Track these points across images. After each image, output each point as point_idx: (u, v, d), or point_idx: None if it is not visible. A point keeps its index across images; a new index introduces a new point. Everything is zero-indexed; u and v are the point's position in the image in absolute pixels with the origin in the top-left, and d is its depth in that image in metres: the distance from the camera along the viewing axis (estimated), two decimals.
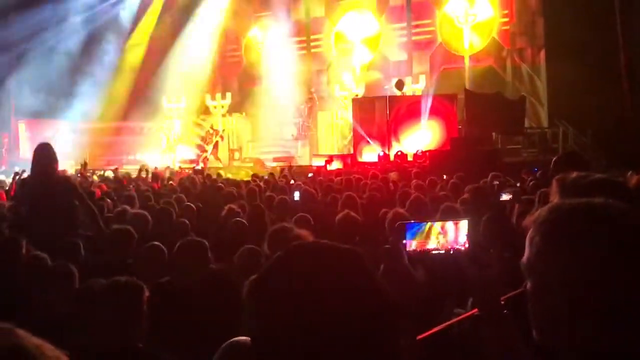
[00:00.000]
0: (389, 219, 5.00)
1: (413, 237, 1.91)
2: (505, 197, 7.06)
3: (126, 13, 26.07)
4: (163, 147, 25.62)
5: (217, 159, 24.08)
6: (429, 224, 1.90)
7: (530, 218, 1.42)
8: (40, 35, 22.58)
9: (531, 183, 9.37)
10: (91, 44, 24.49)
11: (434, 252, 1.88)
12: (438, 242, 1.91)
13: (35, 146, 6.65)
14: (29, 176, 6.74)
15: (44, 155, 6.39)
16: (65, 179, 7.04)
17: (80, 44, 24.14)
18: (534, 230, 1.38)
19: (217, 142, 24.22)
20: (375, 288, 1.15)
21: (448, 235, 1.88)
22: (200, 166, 21.01)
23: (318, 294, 1.09)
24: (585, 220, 1.33)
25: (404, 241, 1.96)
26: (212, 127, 24.58)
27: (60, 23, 23.21)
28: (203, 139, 24.58)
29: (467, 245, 1.90)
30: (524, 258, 1.40)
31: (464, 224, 1.87)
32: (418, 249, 1.91)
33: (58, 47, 23.28)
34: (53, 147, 6.61)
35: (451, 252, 1.91)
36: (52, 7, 22.41)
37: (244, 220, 6.42)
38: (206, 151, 24.06)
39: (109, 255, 5.26)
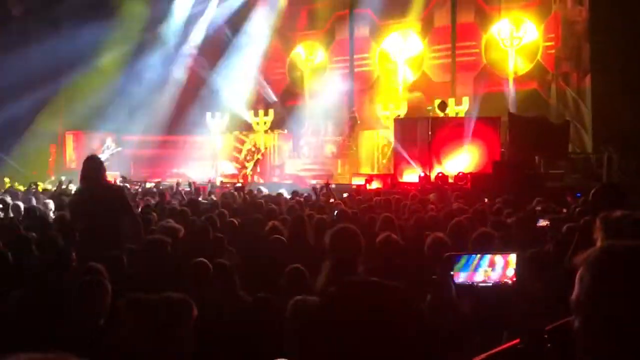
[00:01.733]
0: (429, 243, 4.98)
1: (461, 269, 1.93)
2: (542, 222, 6.98)
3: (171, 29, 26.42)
4: (205, 162, 25.93)
5: (257, 175, 24.13)
6: (478, 256, 1.91)
7: (580, 257, 1.43)
8: (90, 50, 23.04)
9: (577, 210, 9.26)
10: (137, 59, 24.91)
11: (481, 284, 1.90)
12: (486, 274, 1.92)
13: (80, 157, 6.86)
14: (79, 187, 6.92)
15: (93, 167, 6.57)
16: (114, 188, 7.19)
17: (127, 59, 24.56)
18: (584, 269, 1.39)
19: (258, 159, 24.27)
20: (414, 324, 1.19)
21: (496, 268, 1.89)
22: (240, 182, 21.14)
23: (363, 328, 1.13)
24: (635, 263, 1.34)
25: (452, 272, 1.98)
26: (254, 145, 24.61)
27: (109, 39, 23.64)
28: (245, 155, 24.62)
29: (514, 279, 1.92)
30: (573, 295, 1.41)
31: (512, 258, 1.88)
32: (466, 282, 1.93)
33: (106, 63, 23.68)
34: (100, 159, 6.82)
35: (498, 285, 1.93)
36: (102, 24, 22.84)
37: (283, 238, 6.48)
38: (246, 168, 24.13)
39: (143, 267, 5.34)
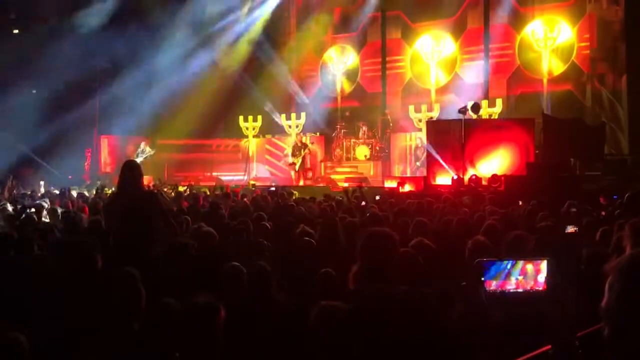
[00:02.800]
0: (470, 248, 4.86)
1: (493, 276, 1.91)
2: (570, 229, 6.90)
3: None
4: (239, 165, 26.14)
5: (305, 173, 23.81)
6: (509, 263, 1.89)
7: (611, 264, 1.42)
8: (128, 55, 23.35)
9: (616, 212, 9.14)
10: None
11: (512, 291, 1.88)
12: (517, 281, 1.90)
13: (115, 161, 6.97)
14: (114, 192, 7.00)
15: (130, 171, 6.65)
16: (150, 194, 7.25)
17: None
18: (614, 276, 1.38)
19: (305, 155, 23.85)
20: (439, 335, 1.19)
21: (528, 275, 1.87)
22: (273, 187, 21.11)
23: (387, 339, 1.14)
24: None
25: (483, 279, 1.96)
26: (300, 141, 24.26)
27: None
28: (292, 151, 24.28)
29: (546, 286, 1.90)
30: (603, 303, 1.40)
31: (544, 265, 1.85)
32: (497, 289, 1.91)
33: (141, 68, 23.92)
34: (137, 163, 6.91)
35: (530, 292, 1.91)
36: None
37: (313, 241, 6.49)
38: (294, 164, 23.83)
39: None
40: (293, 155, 24.03)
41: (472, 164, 18.61)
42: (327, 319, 3.26)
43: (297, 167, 23.63)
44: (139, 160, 22.45)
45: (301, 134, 25.33)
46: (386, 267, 3.52)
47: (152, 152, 23.98)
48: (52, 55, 20.98)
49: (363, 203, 12.43)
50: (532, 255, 2.70)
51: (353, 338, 1.15)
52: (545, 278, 1.90)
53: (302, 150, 23.78)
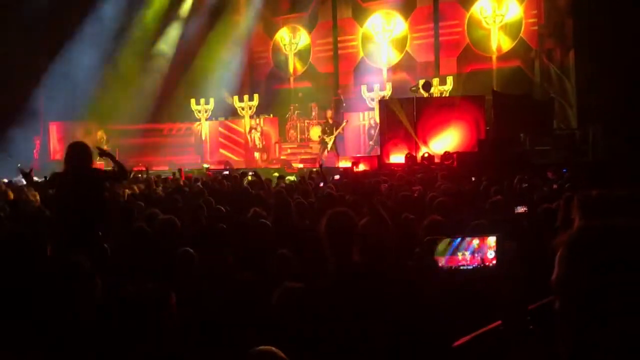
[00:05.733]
0: (425, 226, 4.89)
1: (442, 253, 1.93)
2: (520, 209, 7.02)
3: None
4: (191, 148, 25.94)
5: (336, 153, 22.57)
6: (458, 240, 1.92)
7: (560, 238, 1.45)
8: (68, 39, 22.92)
9: (566, 185, 9.36)
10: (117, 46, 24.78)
11: (462, 267, 1.91)
12: (467, 257, 1.93)
13: (66, 147, 6.79)
14: (61, 172, 6.80)
15: (78, 152, 6.52)
16: (96, 172, 7.07)
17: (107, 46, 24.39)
18: (563, 250, 1.41)
19: (338, 134, 22.88)
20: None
21: (477, 251, 1.90)
22: (227, 170, 20.96)
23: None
24: (612, 242, 1.35)
25: (434, 256, 1.99)
26: (331, 118, 23.19)
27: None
28: (323, 129, 23.13)
29: (495, 261, 1.93)
30: (553, 277, 1.42)
31: (493, 241, 1.88)
32: (448, 265, 1.94)
33: (86, 50, 23.47)
34: (86, 144, 6.76)
35: (480, 267, 1.94)
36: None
37: (268, 223, 6.46)
38: (327, 143, 22.70)
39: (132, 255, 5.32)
40: (324, 133, 22.95)
41: (425, 142, 18.78)
42: (290, 300, 3.29)
43: (329, 147, 22.59)
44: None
45: (255, 115, 25.31)
46: (350, 244, 3.55)
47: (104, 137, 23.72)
48: None
49: (321, 184, 12.39)
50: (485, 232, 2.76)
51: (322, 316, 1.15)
52: (495, 254, 1.93)
53: (335, 129, 22.75)
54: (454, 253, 2.03)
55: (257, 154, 25.30)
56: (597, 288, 1.33)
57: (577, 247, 1.39)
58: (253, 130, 25.38)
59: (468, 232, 3.24)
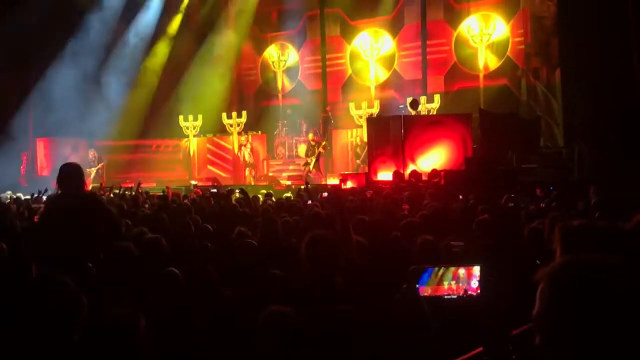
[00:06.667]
0: (419, 246, 4.83)
1: (426, 282, 1.94)
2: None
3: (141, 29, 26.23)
4: (178, 165, 25.92)
5: (320, 172, 22.90)
6: (442, 269, 1.93)
7: (542, 271, 1.46)
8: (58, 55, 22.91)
9: (553, 204, 9.40)
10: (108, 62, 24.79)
11: (446, 297, 1.92)
12: (450, 287, 1.94)
13: (52, 164, 6.76)
14: (55, 194, 6.75)
15: (72, 174, 6.48)
16: (92, 196, 7.07)
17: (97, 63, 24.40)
18: (544, 284, 1.42)
19: (319, 153, 22.90)
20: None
21: (460, 280, 1.91)
22: (214, 187, 20.93)
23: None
24: (593, 278, 1.37)
25: (418, 285, 2.00)
26: (314, 139, 23.23)
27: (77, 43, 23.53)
28: (305, 152, 23.34)
29: (478, 291, 1.94)
30: (535, 311, 1.43)
31: (476, 270, 1.90)
32: (432, 294, 1.95)
33: (76, 66, 23.44)
34: (78, 165, 6.71)
35: (463, 297, 1.95)
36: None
37: (254, 242, 6.45)
38: (309, 164, 22.89)
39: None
40: (306, 155, 23.21)
41: (413, 160, 18.83)
42: (275, 324, 3.28)
43: (311, 167, 22.76)
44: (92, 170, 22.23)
45: (243, 132, 25.37)
46: (332, 270, 3.55)
47: (100, 164, 23.75)
48: None
49: (309, 202, 12.38)
50: (469, 261, 2.77)
51: (302, 348, 1.16)
52: (479, 283, 1.95)
53: (316, 148, 22.87)
54: (440, 283, 2.04)
55: (247, 171, 25.28)
56: (577, 324, 1.34)
57: (557, 283, 1.41)
58: (243, 147, 25.40)
59: (451, 262, 3.22)
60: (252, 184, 23.28)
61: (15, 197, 15.77)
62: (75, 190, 6.46)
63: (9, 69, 21.31)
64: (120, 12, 25.09)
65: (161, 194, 15.89)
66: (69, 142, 24.65)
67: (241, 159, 25.56)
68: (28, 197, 15.37)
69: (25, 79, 22.89)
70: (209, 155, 26.53)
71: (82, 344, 3.33)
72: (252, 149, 25.38)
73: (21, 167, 24.43)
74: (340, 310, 1.14)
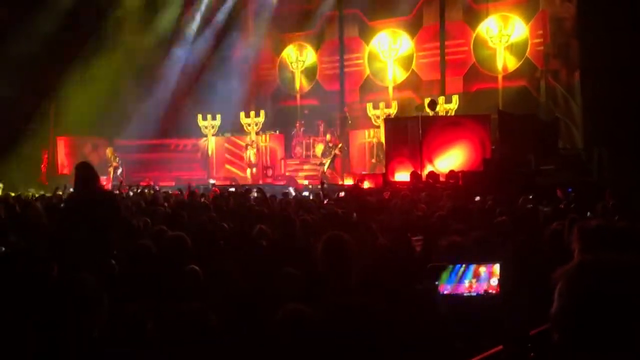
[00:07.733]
0: (445, 247, 4.79)
1: (447, 280, 1.96)
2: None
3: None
4: (197, 164, 26.03)
5: (335, 172, 23.18)
6: (462, 267, 1.94)
7: (560, 270, 1.47)
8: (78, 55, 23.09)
9: (571, 206, 9.35)
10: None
11: (466, 294, 1.93)
12: (471, 285, 1.95)
13: (73, 163, 6.87)
14: (72, 193, 6.88)
15: (85, 173, 6.57)
16: (108, 194, 7.17)
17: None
18: (562, 284, 1.43)
19: (335, 155, 23.19)
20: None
21: (481, 278, 1.93)
22: (233, 186, 21.00)
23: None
24: (611, 278, 1.38)
25: (437, 283, 2.01)
26: (331, 140, 23.56)
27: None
28: (322, 151, 23.71)
29: (499, 289, 1.95)
30: (552, 310, 1.45)
31: (496, 268, 1.91)
32: (452, 293, 1.96)
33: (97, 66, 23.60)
34: (92, 164, 6.82)
35: (483, 295, 1.96)
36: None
37: (272, 240, 6.48)
38: (323, 164, 23.19)
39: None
40: (322, 155, 23.58)
41: (430, 161, 18.79)
42: (294, 322, 3.31)
43: (325, 168, 22.99)
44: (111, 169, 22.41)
45: (261, 132, 25.44)
46: (349, 271, 3.57)
47: (116, 163, 23.91)
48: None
49: (325, 201, 12.42)
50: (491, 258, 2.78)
51: (320, 344, 1.20)
52: (499, 281, 1.96)
53: (333, 150, 23.17)
54: (460, 281, 2.06)
55: (248, 171, 25.38)
56: (594, 323, 1.35)
57: (575, 283, 1.42)
58: (249, 147, 25.44)
59: (472, 259, 3.22)
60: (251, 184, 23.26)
61: (37, 195, 15.97)
62: (86, 189, 6.54)
63: (31, 68, 21.46)
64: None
65: (178, 191, 16.01)
66: (89, 140, 24.85)
67: (246, 159, 25.61)
68: (49, 194, 15.54)
69: (45, 80, 23.04)
70: (227, 155, 26.61)
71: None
72: (258, 149, 25.39)
73: (42, 165, 24.66)
74: (356, 303, 1.16)
